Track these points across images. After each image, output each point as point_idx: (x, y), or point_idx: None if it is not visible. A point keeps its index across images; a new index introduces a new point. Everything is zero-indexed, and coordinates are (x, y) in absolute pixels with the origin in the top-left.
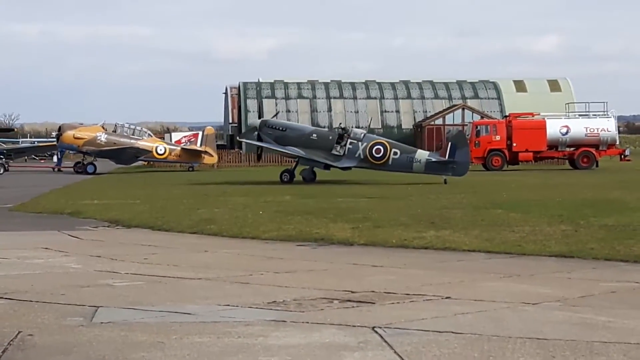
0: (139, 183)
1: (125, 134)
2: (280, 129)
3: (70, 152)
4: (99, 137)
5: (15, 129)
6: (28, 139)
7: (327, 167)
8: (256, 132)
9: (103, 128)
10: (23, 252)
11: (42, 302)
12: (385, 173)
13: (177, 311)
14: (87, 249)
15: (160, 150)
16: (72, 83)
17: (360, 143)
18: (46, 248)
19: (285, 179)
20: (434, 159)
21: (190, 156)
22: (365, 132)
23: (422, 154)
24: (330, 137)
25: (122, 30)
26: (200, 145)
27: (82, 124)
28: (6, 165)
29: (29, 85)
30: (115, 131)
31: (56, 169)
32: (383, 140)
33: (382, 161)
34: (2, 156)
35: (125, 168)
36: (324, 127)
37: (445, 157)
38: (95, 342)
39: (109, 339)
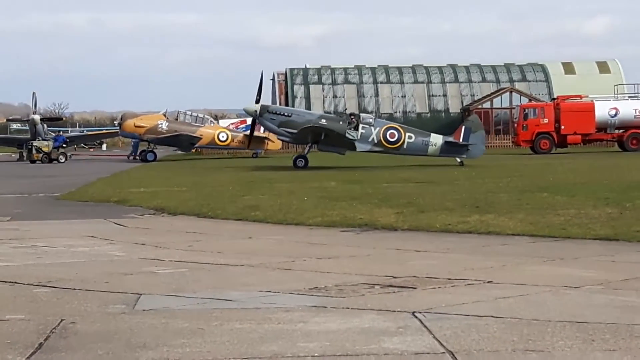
0: (187, 170)
1: (187, 121)
2: (285, 114)
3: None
4: (160, 125)
5: (64, 118)
6: (77, 128)
7: (342, 151)
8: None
9: (164, 116)
10: (69, 240)
11: (86, 290)
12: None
13: (219, 298)
14: (132, 237)
15: (222, 137)
16: (120, 72)
17: (372, 127)
18: (92, 236)
19: (301, 165)
20: (449, 142)
21: (253, 142)
22: (373, 116)
23: (436, 137)
24: (341, 122)
25: (170, 19)
26: (264, 131)
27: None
28: (68, 154)
29: (78, 75)
30: (177, 119)
31: (131, 158)
32: (395, 124)
33: (397, 145)
34: (65, 145)
35: (182, 155)
36: (370, 112)
37: (459, 140)
38: (137, 329)
39: (150, 326)
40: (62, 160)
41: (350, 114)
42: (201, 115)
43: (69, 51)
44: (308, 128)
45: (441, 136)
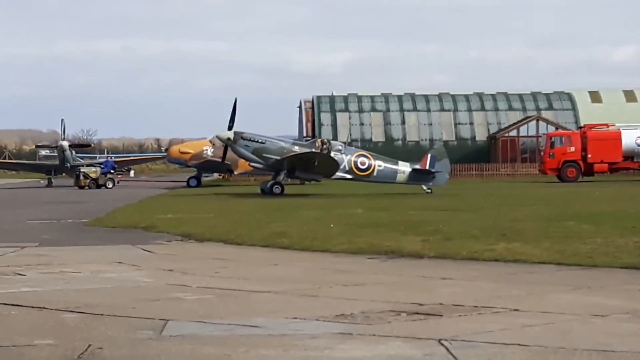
0: (213, 196)
1: None
2: (259, 141)
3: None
4: (205, 151)
5: (93, 145)
6: (105, 154)
7: (319, 178)
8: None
9: (211, 142)
10: (96, 266)
11: (113, 315)
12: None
13: (245, 324)
14: (159, 263)
15: None
16: (149, 98)
17: (343, 155)
18: (119, 262)
19: (277, 191)
20: (416, 169)
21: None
22: (343, 143)
23: (404, 165)
24: (313, 150)
25: (199, 46)
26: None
27: (204, 137)
28: (116, 180)
29: (106, 101)
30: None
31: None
32: (365, 152)
33: (367, 172)
34: (113, 170)
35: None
36: (398, 140)
37: (426, 167)
38: (164, 355)
39: (177, 352)
40: (110, 186)
41: (322, 141)
42: None
43: (98, 78)
44: (307, 154)
45: (408, 164)
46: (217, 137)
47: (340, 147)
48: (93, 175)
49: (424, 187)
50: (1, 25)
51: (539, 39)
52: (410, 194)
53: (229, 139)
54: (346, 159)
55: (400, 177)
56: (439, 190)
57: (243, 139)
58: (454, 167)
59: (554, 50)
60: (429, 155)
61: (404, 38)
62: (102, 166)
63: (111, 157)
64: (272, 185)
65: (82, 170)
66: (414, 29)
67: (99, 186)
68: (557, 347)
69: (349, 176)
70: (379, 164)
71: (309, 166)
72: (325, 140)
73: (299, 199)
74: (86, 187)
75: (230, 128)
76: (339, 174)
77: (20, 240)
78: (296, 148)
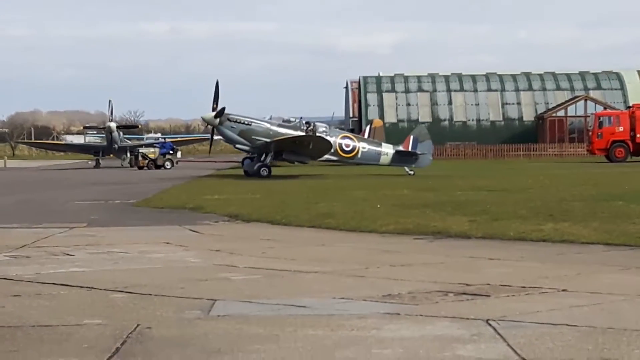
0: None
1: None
2: (245, 122)
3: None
4: None
5: (140, 126)
6: (152, 135)
7: (307, 160)
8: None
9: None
10: (144, 246)
11: (161, 295)
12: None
13: (293, 304)
14: (206, 243)
15: None
16: (196, 79)
17: (328, 137)
18: (167, 242)
19: (264, 174)
20: (399, 151)
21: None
22: (327, 125)
23: (388, 147)
24: (299, 132)
25: (246, 27)
26: (368, 137)
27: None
28: (174, 161)
29: (153, 82)
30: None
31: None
32: (349, 134)
33: (351, 154)
34: (172, 151)
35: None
36: (444, 120)
37: (408, 149)
38: (212, 334)
39: (224, 332)
40: (169, 167)
41: (306, 123)
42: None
43: (146, 59)
44: (301, 137)
45: (392, 146)
46: (203, 118)
47: (324, 129)
48: (152, 156)
49: (407, 169)
50: (48, 7)
51: (588, 18)
52: (455, 175)
53: (213, 120)
54: (331, 140)
55: (384, 159)
56: (486, 171)
57: (229, 120)
58: (500, 147)
59: (602, 30)
60: (411, 137)
61: (451, 19)
62: (160, 147)
63: (159, 138)
64: (259, 167)
65: (140, 151)
66: (462, 10)
67: (157, 166)
68: (605, 327)
69: (334, 158)
70: (363, 146)
71: (301, 149)
72: (310, 122)
73: (341, 180)
74: (145, 168)
75: (214, 109)
76: (325, 155)
77: (69, 220)
78: (282, 130)
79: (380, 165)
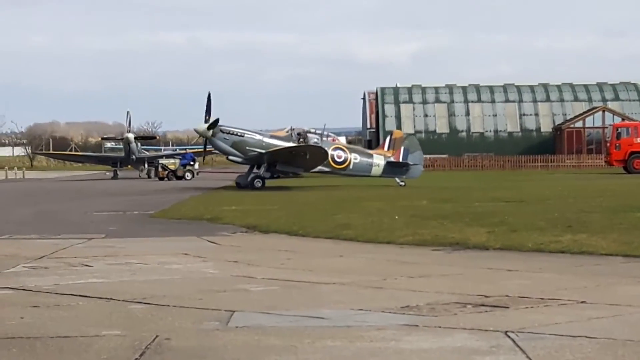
0: (275, 189)
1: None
2: (238, 134)
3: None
4: None
5: (158, 137)
6: (170, 147)
7: (300, 171)
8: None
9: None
10: (162, 257)
11: (179, 306)
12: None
13: (311, 315)
14: (224, 255)
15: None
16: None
17: None
18: (185, 254)
19: (259, 185)
20: (390, 162)
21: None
22: (318, 136)
23: (379, 158)
24: (291, 143)
25: (264, 38)
26: (388, 149)
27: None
28: (195, 172)
29: (171, 93)
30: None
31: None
32: (341, 144)
33: (343, 165)
34: (193, 162)
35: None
36: (462, 131)
37: (399, 160)
38: (230, 346)
39: (243, 343)
40: (189, 178)
41: (298, 134)
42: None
43: (163, 69)
44: (298, 147)
45: (383, 157)
46: (196, 130)
47: (316, 140)
48: (172, 167)
49: (398, 180)
50: (67, 18)
51: (606, 29)
52: (472, 187)
53: (207, 131)
54: None
55: (376, 170)
56: (504, 182)
57: (222, 131)
58: (518, 158)
59: (620, 40)
60: (402, 148)
61: (469, 29)
62: (181, 158)
63: (177, 149)
64: (253, 178)
65: (160, 162)
66: (480, 20)
67: (178, 177)
68: (625, 339)
69: (326, 169)
70: (355, 157)
71: (297, 159)
72: (302, 133)
73: (358, 191)
74: (165, 179)
75: (206, 121)
76: (318, 167)
77: (87, 231)
78: (274, 141)
79: (371, 176)
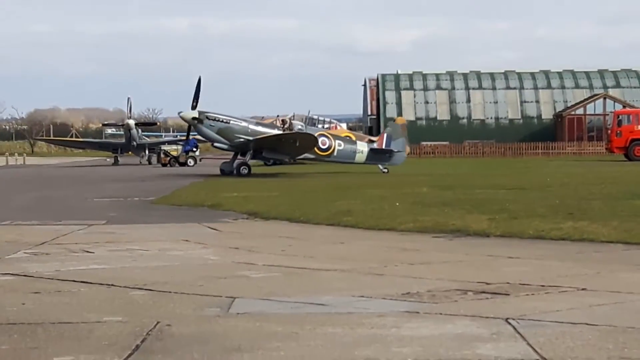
0: (279, 175)
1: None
2: (224, 121)
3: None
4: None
5: (158, 123)
6: (171, 133)
7: (287, 158)
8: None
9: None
10: (163, 244)
11: (180, 293)
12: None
13: (312, 302)
14: (225, 241)
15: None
16: (215, 76)
17: None
18: (186, 240)
19: (245, 172)
20: (374, 149)
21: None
22: (303, 123)
23: (363, 145)
24: (276, 130)
25: (265, 24)
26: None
27: (263, 117)
28: (197, 159)
29: (172, 79)
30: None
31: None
32: (325, 132)
33: (328, 152)
34: (195, 148)
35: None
36: (463, 118)
37: (382, 147)
38: (231, 332)
39: (244, 330)
40: (191, 164)
41: (282, 121)
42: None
43: (165, 56)
44: (287, 134)
45: (366, 144)
46: (181, 116)
47: (300, 127)
48: (174, 154)
49: (381, 167)
50: (67, 3)
51: (607, 16)
52: (473, 174)
53: (194, 118)
54: None
55: (359, 157)
56: (504, 169)
57: (208, 118)
58: (519, 145)
59: (621, 27)
60: (385, 135)
61: (470, 16)
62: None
63: (177, 136)
64: (239, 165)
65: (163, 148)
66: (481, 7)
67: (181, 164)
68: (626, 326)
69: (311, 156)
70: (339, 144)
71: (286, 146)
72: (287, 120)
73: (359, 178)
74: (168, 165)
75: (194, 107)
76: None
77: (88, 218)
78: (259, 128)
79: (355, 163)
